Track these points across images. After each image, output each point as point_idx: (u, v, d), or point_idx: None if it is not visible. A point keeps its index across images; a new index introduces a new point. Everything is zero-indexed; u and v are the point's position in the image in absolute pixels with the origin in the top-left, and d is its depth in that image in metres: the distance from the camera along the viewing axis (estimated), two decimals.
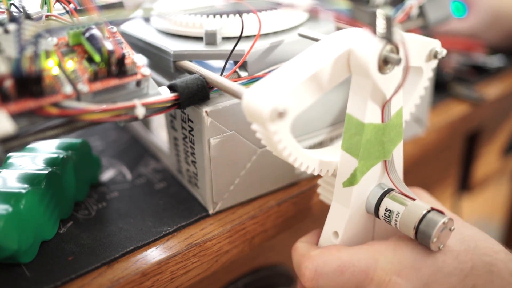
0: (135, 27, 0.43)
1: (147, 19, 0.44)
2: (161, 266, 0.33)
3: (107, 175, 0.43)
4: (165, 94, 0.33)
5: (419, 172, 0.61)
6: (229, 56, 0.36)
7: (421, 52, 0.33)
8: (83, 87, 0.29)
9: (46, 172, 0.34)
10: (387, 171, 0.33)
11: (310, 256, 0.32)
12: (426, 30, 0.46)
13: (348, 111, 0.31)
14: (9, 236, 0.31)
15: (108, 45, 0.30)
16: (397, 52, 0.29)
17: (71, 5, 0.35)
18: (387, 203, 0.32)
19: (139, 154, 0.46)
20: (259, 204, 0.38)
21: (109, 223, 0.37)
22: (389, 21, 0.27)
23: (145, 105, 0.30)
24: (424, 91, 0.37)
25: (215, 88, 0.35)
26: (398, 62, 0.28)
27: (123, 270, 0.32)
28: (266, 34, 0.38)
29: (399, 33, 0.28)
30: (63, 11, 0.35)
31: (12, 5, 0.34)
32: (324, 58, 0.29)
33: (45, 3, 0.34)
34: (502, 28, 0.65)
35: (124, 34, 0.44)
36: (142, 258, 0.33)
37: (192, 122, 0.36)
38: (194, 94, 0.33)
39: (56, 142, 0.39)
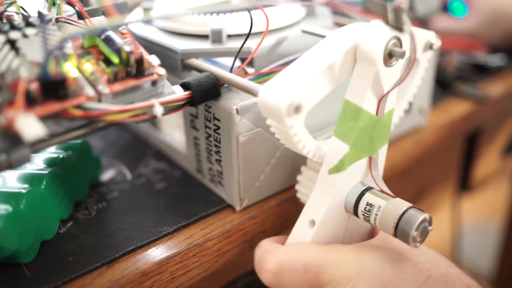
0: (136, 26, 0.43)
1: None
2: (161, 266, 0.33)
3: (107, 175, 0.43)
4: (179, 93, 0.33)
5: (419, 172, 0.61)
6: (237, 53, 0.37)
7: (419, 44, 0.34)
8: (104, 88, 0.29)
9: (46, 172, 0.34)
10: (370, 169, 0.33)
11: (275, 251, 0.33)
12: (419, 22, 0.47)
13: (346, 97, 0.32)
14: (9, 236, 0.31)
15: (127, 47, 0.30)
16: (401, 46, 0.30)
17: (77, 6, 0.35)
18: (368, 197, 0.32)
19: (139, 154, 0.46)
20: (259, 204, 0.38)
21: (109, 223, 0.37)
22: (398, 12, 0.28)
23: (162, 104, 0.31)
24: (421, 80, 0.37)
25: (225, 85, 0.35)
26: (402, 55, 0.29)
27: (123, 270, 0.32)
28: (271, 31, 0.39)
29: (408, 24, 0.29)
30: (70, 12, 0.35)
31: (21, 9, 0.34)
32: (334, 51, 0.30)
33: (53, 5, 0.34)
34: (503, 28, 0.65)
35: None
36: (142, 258, 0.33)
37: (218, 120, 0.36)
38: (207, 92, 0.34)
39: None
